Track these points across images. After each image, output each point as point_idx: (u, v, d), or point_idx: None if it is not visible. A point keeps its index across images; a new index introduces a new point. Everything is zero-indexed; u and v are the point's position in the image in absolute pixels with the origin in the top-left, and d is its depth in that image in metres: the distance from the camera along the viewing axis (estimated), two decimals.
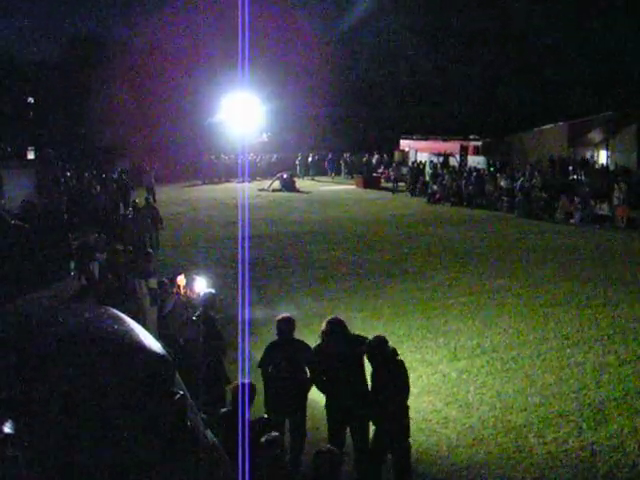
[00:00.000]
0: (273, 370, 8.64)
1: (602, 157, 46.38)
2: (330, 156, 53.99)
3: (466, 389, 11.54)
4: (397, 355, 8.33)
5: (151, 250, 16.48)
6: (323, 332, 8.73)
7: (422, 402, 10.89)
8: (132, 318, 6.67)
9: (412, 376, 11.33)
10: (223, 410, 7.54)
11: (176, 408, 5.55)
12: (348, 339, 8.68)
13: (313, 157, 54.08)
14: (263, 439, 6.58)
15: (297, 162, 51.83)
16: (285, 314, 9.22)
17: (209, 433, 6.36)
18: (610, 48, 58.96)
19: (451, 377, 12.08)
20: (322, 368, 8.59)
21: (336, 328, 8.68)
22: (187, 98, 52.59)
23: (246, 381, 7.59)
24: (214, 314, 10.39)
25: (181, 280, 11.77)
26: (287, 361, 8.66)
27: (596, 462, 9.19)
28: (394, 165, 47.69)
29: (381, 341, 8.32)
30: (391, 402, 8.06)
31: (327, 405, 8.66)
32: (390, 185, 45.40)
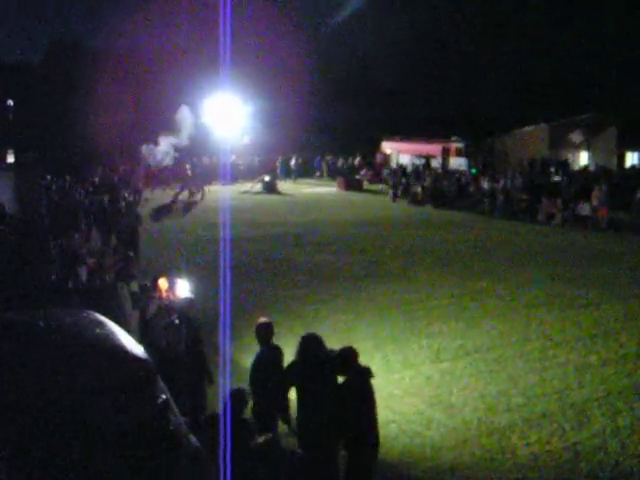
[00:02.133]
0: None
1: (583, 158, 46.65)
2: (318, 158, 54.14)
3: (449, 390, 11.54)
4: (370, 376, 8.02)
5: (132, 253, 16.38)
6: (298, 350, 8.43)
7: (405, 404, 10.87)
8: (114, 322, 6.64)
9: (395, 378, 11.37)
10: (213, 412, 7.47)
11: (158, 412, 5.52)
12: (322, 359, 8.26)
13: (296, 159, 54.01)
14: (259, 440, 6.57)
15: (278, 164, 51.64)
16: (263, 319, 9.10)
17: (192, 437, 6.33)
18: (590, 50, 59.30)
19: (434, 379, 12.07)
20: (293, 386, 8.32)
21: (311, 345, 8.39)
22: (169, 100, 52.39)
23: (241, 387, 7.60)
24: (195, 318, 10.32)
25: (163, 283, 11.65)
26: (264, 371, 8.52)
27: (579, 462, 9.21)
28: (390, 170, 47.15)
29: (348, 354, 8.05)
30: (359, 420, 7.81)
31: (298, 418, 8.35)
32: (377, 187, 45.52)
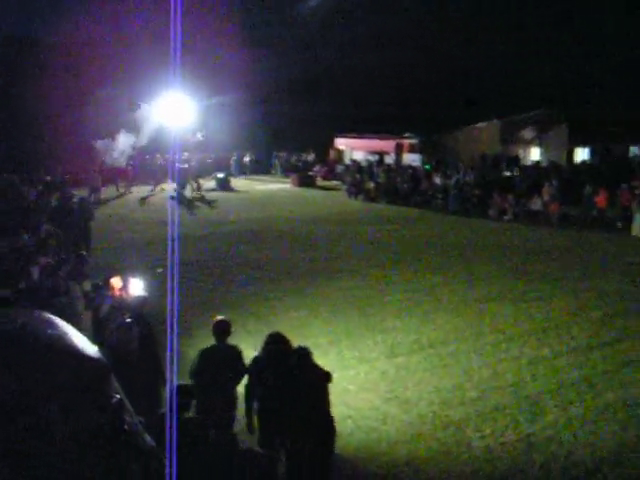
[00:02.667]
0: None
1: (534, 154, 47.22)
2: (274, 155, 54.09)
3: (404, 385, 11.58)
4: (329, 379, 8.03)
5: (84, 252, 16.16)
6: (264, 348, 8.52)
7: (360, 399, 10.89)
8: (66, 322, 6.54)
9: (350, 373, 11.38)
10: (161, 411, 7.40)
11: (113, 412, 5.45)
12: (288, 357, 8.28)
13: (250, 156, 53.85)
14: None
15: (232, 161, 51.40)
16: (220, 317, 9.07)
17: (147, 437, 6.27)
18: (540, 46, 60.05)
19: (389, 374, 12.10)
20: (258, 381, 8.33)
21: (277, 345, 8.44)
22: (120, 98, 51.82)
23: (180, 383, 7.51)
24: (148, 317, 10.21)
25: (116, 282, 11.52)
26: (219, 368, 8.49)
27: (533, 453, 9.30)
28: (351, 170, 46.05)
29: (303, 353, 8.03)
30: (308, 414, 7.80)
31: (260, 415, 8.38)
32: (331, 184, 45.56)
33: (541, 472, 8.85)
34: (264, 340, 8.61)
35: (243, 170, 51.41)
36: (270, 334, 8.65)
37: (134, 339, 9.49)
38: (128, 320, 9.76)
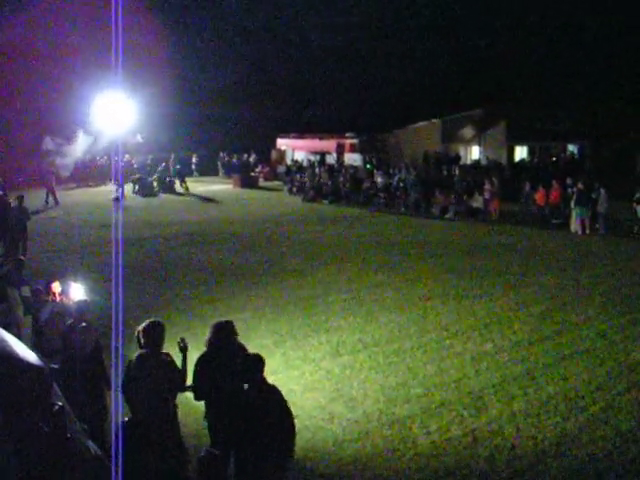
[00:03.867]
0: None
1: (474, 152, 47.79)
2: (221, 155, 53.86)
3: (350, 384, 11.61)
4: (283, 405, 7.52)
5: (22, 257, 15.88)
6: (208, 340, 8.24)
7: (306, 399, 10.89)
8: (4, 328, 6.41)
9: (295, 374, 11.36)
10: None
11: (54, 420, 5.36)
12: (234, 347, 8.14)
13: (195, 158, 53.58)
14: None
15: (170, 162, 50.74)
16: (152, 319, 8.47)
17: (91, 444, 6.18)
18: (479, 45, 60.78)
19: (334, 373, 12.12)
20: (207, 378, 8.01)
21: (221, 335, 8.20)
22: (57, 99, 51.00)
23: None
24: (90, 321, 10.03)
25: (56, 287, 11.35)
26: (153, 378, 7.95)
27: (478, 447, 9.41)
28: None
29: (255, 360, 7.54)
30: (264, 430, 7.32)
31: (208, 417, 8.20)
32: (273, 184, 45.43)
33: (486, 466, 8.95)
34: (210, 331, 8.33)
35: (180, 172, 50.57)
36: (215, 324, 8.38)
37: (91, 342, 9.33)
38: (69, 325, 9.61)
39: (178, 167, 47.11)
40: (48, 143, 46.38)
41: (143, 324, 8.27)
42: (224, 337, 8.28)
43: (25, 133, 47.85)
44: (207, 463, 6.24)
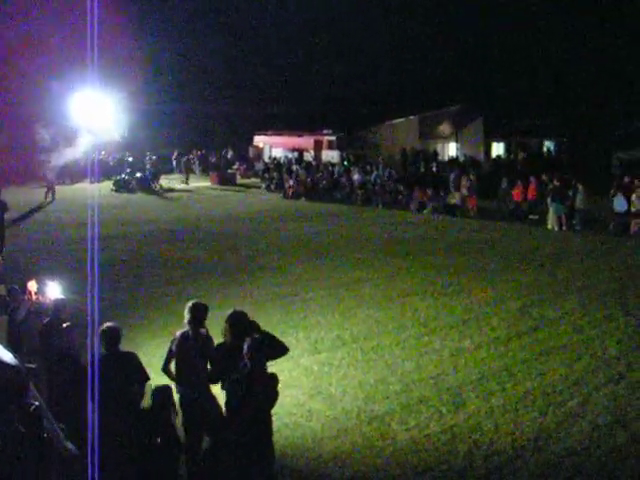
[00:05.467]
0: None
1: (452, 149, 47.97)
2: (200, 154, 53.60)
3: (328, 381, 11.61)
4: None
5: None
6: (225, 329, 8.28)
7: (285, 396, 10.85)
8: None
9: (273, 371, 11.31)
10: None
11: (30, 419, 5.32)
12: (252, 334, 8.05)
13: (177, 156, 53.41)
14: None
15: (147, 160, 50.30)
16: (109, 323, 8.22)
17: (69, 444, 6.14)
18: (457, 41, 60.98)
19: (313, 370, 12.12)
20: (229, 367, 7.87)
21: (237, 322, 8.26)
22: (34, 96, 50.59)
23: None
24: (65, 320, 9.93)
25: (32, 286, 11.25)
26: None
27: (456, 444, 9.43)
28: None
29: (257, 342, 7.66)
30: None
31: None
32: (251, 181, 45.32)
33: (465, 461, 8.97)
34: (228, 321, 8.31)
35: (156, 170, 50.17)
36: (232, 314, 8.42)
37: (75, 343, 9.27)
38: (44, 324, 9.52)
39: (151, 165, 46.85)
40: (46, 139, 46.06)
41: (189, 303, 8.85)
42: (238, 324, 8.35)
43: (3, 130, 47.40)
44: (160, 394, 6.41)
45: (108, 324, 8.20)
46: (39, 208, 33.70)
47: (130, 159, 49.45)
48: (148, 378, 8.19)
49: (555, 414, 10.26)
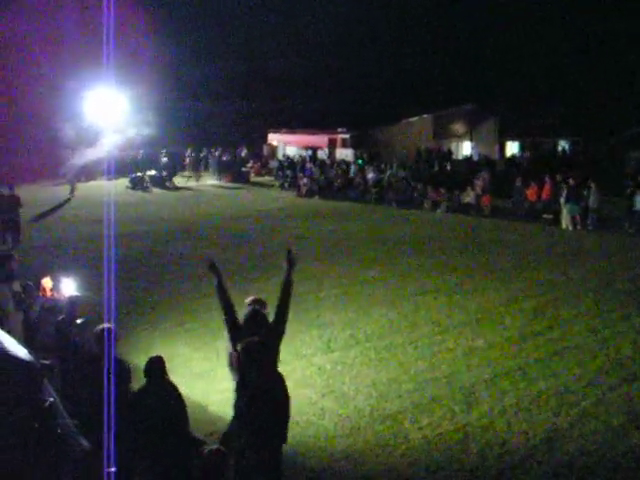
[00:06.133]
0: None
1: (466, 148, 47.85)
2: (213, 151, 53.63)
3: (341, 380, 11.62)
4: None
5: (13, 252, 15.81)
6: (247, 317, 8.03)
7: (298, 395, 10.86)
8: None
9: (287, 369, 11.32)
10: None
11: (44, 415, 5.35)
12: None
13: (190, 153, 53.45)
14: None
15: (162, 158, 50.42)
16: (106, 324, 8.12)
17: (82, 439, 6.16)
18: (472, 40, 60.85)
19: (326, 369, 12.13)
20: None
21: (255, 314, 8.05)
22: (48, 93, 50.82)
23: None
24: (80, 317, 9.96)
25: (47, 282, 11.29)
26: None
27: (469, 443, 9.42)
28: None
29: (253, 344, 7.27)
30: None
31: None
32: (265, 179, 45.35)
33: (477, 461, 8.97)
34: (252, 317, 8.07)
35: (171, 168, 50.24)
36: (252, 313, 8.14)
37: (70, 340, 9.27)
38: (59, 321, 9.56)
39: (166, 162, 46.98)
40: (69, 138, 46.44)
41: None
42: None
43: (20, 129, 47.67)
44: (211, 461, 6.21)
45: (153, 355, 7.94)
46: (55, 205, 33.78)
47: (143, 156, 49.59)
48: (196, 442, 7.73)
49: (569, 414, 10.23)
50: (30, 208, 27.77)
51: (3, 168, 36.79)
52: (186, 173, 49.54)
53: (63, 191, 37.58)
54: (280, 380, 7.41)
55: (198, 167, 48.59)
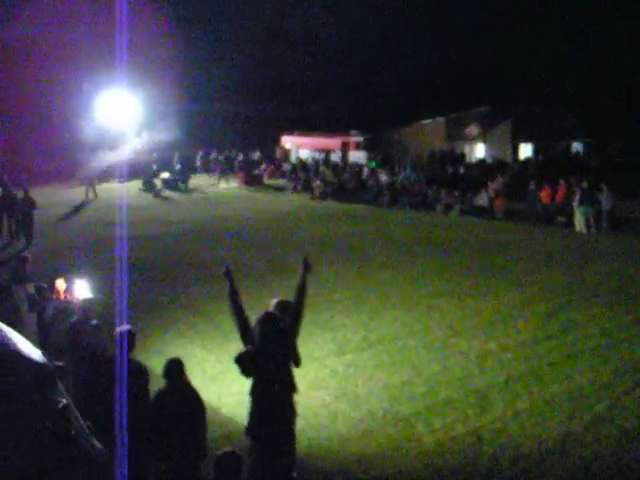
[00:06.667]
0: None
1: (479, 151, 47.73)
2: (225, 154, 53.75)
3: (354, 383, 11.61)
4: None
5: (27, 254, 15.88)
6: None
7: (311, 397, 10.88)
8: (9, 325, 6.41)
9: (300, 372, 11.33)
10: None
11: (58, 417, 5.35)
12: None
13: (203, 155, 53.54)
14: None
15: (175, 160, 50.49)
16: (126, 326, 8.17)
17: (96, 442, 6.17)
18: (485, 42, 60.69)
19: (339, 371, 12.12)
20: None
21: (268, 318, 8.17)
22: (62, 96, 51.03)
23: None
24: (93, 319, 10.00)
25: (60, 284, 11.33)
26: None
27: (482, 446, 9.40)
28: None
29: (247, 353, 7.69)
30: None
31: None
32: (278, 182, 45.39)
33: (490, 464, 8.94)
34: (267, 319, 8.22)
35: (183, 170, 50.31)
36: (266, 317, 8.25)
37: (104, 342, 9.32)
38: (72, 323, 9.60)
39: (180, 164, 47.13)
40: (90, 142, 46.73)
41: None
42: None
43: (34, 131, 47.90)
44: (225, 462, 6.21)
45: (172, 357, 7.95)
46: (70, 207, 33.89)
47: (156, 159, 49.68)
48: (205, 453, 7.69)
49: (582, 418, 10.19)
50: (44, 210, 27.86)
51: (18, 170, 37.02)
52: (197, 175, 49.61)
53: (78, 194, 37.66)
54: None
55: (225, 170, 48.37)
